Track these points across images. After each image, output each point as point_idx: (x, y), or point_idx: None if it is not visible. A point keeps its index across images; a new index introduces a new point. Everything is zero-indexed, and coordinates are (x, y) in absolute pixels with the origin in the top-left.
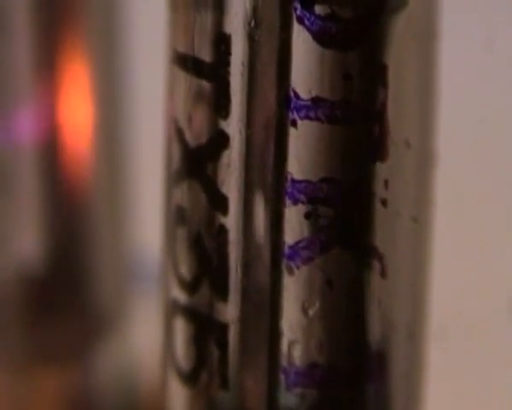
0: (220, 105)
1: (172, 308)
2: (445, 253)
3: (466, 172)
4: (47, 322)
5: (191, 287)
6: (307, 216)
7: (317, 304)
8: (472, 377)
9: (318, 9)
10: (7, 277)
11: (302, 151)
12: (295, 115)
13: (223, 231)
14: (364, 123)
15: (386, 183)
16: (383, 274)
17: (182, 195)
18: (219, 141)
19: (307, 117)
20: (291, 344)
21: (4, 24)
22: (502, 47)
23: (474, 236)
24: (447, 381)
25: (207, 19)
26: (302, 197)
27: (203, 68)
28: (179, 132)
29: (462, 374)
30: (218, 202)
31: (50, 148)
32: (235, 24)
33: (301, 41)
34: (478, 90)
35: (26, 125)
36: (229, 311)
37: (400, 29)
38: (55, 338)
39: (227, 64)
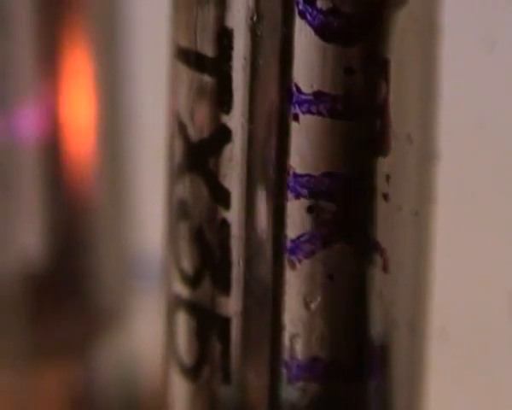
0: (222, 99)
1: (174, 303)
2: (446, 253)
3: (468, 169)
4: (49, 318)
5: (193, 281)
6: (309, 210)
7: (319, 298)
8: (473, 376)
9: (320, 4)
10: (9, 273)
11: (304, 145)
12: (297, 109)
13: (225, 225)
14: (366, 117)
15: (387, 177)
16: (385, 268)
17: (184, 189)
18: (221, 135)
19: (309, 111)
20: (293, 338)
21: (5, 21)
22: (502, 47)
23: (474, 236)
24: (448, 381)
25: (210, 13)
26: (304, 191)
27: (205, 63)
28: (181, 127)
29: (463, 374)
30: (220, 197)
31: (52, 145)
32: (238, 18)
33: (303, 35)
34: (479, 88)
35: (28, 123)
36: (231, 305)
37: (402, 24)
38: (56, 334)
39: (229, 59)
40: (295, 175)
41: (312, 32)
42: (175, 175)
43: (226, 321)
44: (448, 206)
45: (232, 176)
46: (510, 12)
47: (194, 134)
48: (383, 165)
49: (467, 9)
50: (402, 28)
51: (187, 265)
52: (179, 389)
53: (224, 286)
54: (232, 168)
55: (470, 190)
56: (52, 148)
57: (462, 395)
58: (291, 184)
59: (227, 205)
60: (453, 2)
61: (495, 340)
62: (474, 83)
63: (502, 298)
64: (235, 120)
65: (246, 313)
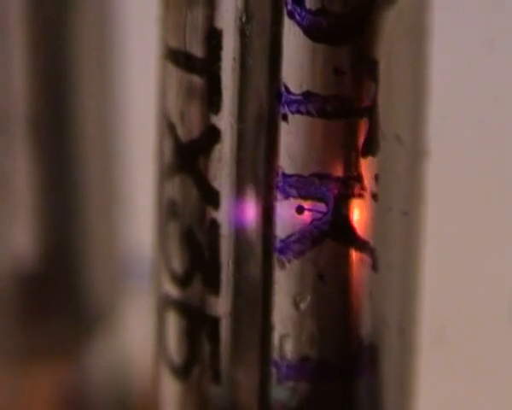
0: (212, 100)
1: (164, 303)
2: (445, 254)
3: (468, 168)
4: (40, 318)
5: (183, 281)
6: (298, 210)
7: (309, 298)
8: (472, 377)
9: (309, 4)
10: (0, 273)
11: (293, 146)
12: (286, 110)
13: (214, 225)
14: (355, 118)
15: (376, 177)
16: (374, 268)
17: (173, 189)
18: (211, 135)
19: (298, 111)
20: (282, 338)
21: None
22: (502, 47)
23: (473, 236)
24: (448, 382)
25: (199, 14)
26: (293, 192)
27: (195, 63)
28: (171, 127)
29: (463, 375)
30: (210, 197)
31: (46, 143)
32: (227, 19)
33: (292, 36)
34: (477, 89)
35: None
36: (221, 305)
37: (391, 24)
38: (47, 334)
39: (218, 59)
40: (284, 175)
41: (301, 33)
42: (164, 175)
43: (216, 321)
44: (449, 206)
45: (221, 176)
46: (510, 12)
47: (183, 134)
48: (372, 165)
49: (467, 9)
50: (391, 28)
51: (177, 265)
52: (170, 389)
53: (213, 286)
54: (221, 168)
55: (471, 189)
56: (46, 147)
57: (461, 396)
58: (280, 184)
59: (216, 205)
60: (453, 2)
61: (494, 342)
62: (473, 83)
63: (502, 299)
64: (225, 121)
65: (235, 313)
